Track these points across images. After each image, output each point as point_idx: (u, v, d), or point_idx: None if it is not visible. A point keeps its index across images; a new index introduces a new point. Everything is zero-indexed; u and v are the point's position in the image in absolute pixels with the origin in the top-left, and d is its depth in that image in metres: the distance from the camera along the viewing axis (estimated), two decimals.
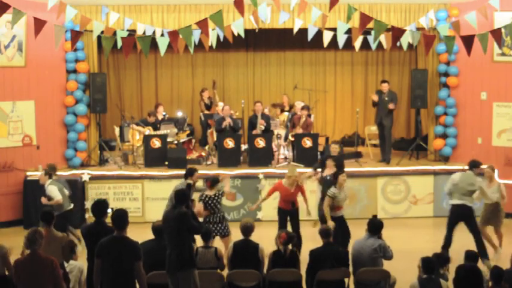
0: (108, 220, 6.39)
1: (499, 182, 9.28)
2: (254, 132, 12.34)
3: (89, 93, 12.30)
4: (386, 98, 12.24)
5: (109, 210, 6.64)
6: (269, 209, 10.64)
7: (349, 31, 8.79)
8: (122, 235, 5.79)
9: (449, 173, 11.70)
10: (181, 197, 6.55)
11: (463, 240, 8.81)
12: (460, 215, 8.77)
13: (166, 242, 6.45)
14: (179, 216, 6.37)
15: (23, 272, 5.66)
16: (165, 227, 6.51)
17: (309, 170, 10.16)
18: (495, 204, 9.01)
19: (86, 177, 11.46)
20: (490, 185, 9.08)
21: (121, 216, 5.85)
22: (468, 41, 7.69)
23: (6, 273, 6.50)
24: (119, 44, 8.12)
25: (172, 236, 6.38)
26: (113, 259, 5.69)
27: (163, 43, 8.18)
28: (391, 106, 12.19)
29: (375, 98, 12.34)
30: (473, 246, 8.22)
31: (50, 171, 9.46)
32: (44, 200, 9.19)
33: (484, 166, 9.35)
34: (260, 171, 11.60)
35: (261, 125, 12.38)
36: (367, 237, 7.09)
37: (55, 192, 9.11)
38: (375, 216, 7.44)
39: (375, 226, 7.12)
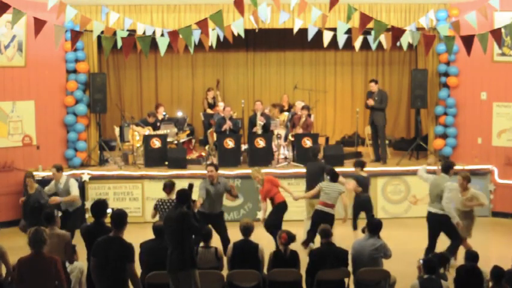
0: (108, 220, 6.40)
1: (474, 191, 8.70)
2: (254, 129, 12.34)
3: (89, 93, 12.30)
4: (376, 98, 12.24)
5: (109, 211, 6.64)
6: (268, 209, 10.61)
7: (349, 31, 8.79)
8: (117, 235, 5.81)
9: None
10: (182, 197, 6.55)
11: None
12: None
13: (167, 242, 6.46)
14: (180, 216, 6.37)
15: (27, 271, 5.66)
16: (166, 226, 6.52)
17: None
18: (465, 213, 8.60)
19: (86, 177, 11.45)
20: (463, 194, 8.60)
21: (120, 216, 5.87)
22: (468, 41, 7.69)
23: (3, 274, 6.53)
24: (119, 44, 8.12)
25: (173, 236, 6.38)
26: (106, 258, 5.73)
27: (163, 43, 8.18)
28: (369, 102, 12.18)
29: (371, 102, 12.26)
30: (473, 246, 8.21)
31: (61, 167, 9.43)
32: (55, 199, 9.01)
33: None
34: None
35: (260, 121, 12.36)
36: (368, 237, 7.09)
37: (75, 187, 9.12)
38: (372, 216, 7.43)
39: (375, 226, 7.12)
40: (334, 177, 8.95)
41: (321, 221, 8.31)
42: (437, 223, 8.38)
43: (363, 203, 9.76)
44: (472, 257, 6.44)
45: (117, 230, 5.81)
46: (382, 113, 12.36)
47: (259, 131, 12.31)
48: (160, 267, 6.49)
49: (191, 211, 6.62)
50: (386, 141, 13.07)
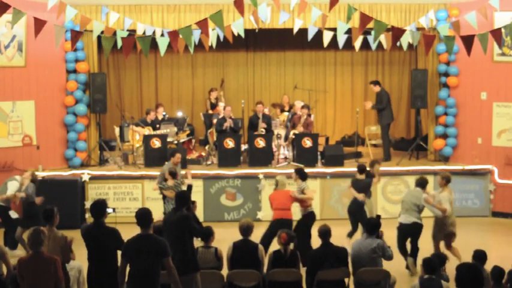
0: (108, 220, 6.40)
1: (445, 194, 8.59)
2: (255, 133, 12.34)
3: (89, 93, 12.30)
4: (377, 99, 12.49)
5: (110, 211, 6.63)
6: (269, 209, 10.61)
7: (349, 31, 8.79)
8: (147, 233, 5.81)
9: (450, 173, 11.76)
10: (182, 200, 6.52)
11: (461, 240, 8.81)
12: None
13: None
14: (181, 219, 6.34)
15: (27, 272, 5.66)
16: (166, 230, 6.49)
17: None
18: (441, 218, 8.56)
19: (86, 177, 11.46)
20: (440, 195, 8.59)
21: (145, 214, 5.86)
22: (468, 41, 7.68)
23: (4, 273, 6.53)
24: (119, 44, 8.12)
25: (174, 240, 6.35)
26: (141, 257, 5.69)
27: (163, 43, 8.17)
28: (366, 105, 12.70)
29: (368, 105, 12.72)
30: (473, 246, 8.20)
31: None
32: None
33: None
34: (260, 171, 11.60)
35: (261, 128, 12.39)
36: (365, 238, 7.10)
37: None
38: (378, 217, 7.43)
39: (372, 226, 7.13)
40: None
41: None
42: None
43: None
44: (479, 257, 6.41)
45: (145, 229, 5.81)
46: (385, 112, 12.43)
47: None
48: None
49: (191, 213, 6.60)
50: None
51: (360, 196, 9.26)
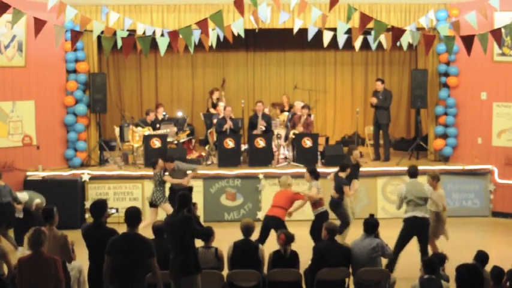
0: (112, 220, 6.40)
1: (440, 191, 8.64)
2: (254, 132, 12.34)
3: (89, 93, 12.30)
4: (380, 97, 12.35)
5: (113, 211, 6.62)
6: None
7: (349, 31, 8.79)
8: (133, 232, 5.82)
9: (450, 173, 11.79)
10: (183, 201, 6.51)
11: (461, 240, 8.81)
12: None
13: (170, 247, 6.42)
14: (182, 220, 6.32)
15: (27, 272, 5.67)
16: (168, 232, 6.48)
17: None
18: (435, 214, 8.59)
19: (86, 177, 11.46)
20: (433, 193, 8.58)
21: (134, 213, 5.88)
22: (468, 41, 7.68)
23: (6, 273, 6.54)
24: (119, 44, 8.11)
25: (175, 241, 6.34)
26: (125, 256, 5.70)
27: (163, 43, 8.17)
28: (372, 100, 12.50)
29: (374, 101, 12.50)
30: (473, 246, 8.21)
31: None
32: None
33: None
34: (260, 171, 11.61)
35: (261, 125, 12.38)
36: (364, 237, 7.09)
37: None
38: (371, 215, 7.45)
39: (371, 225, 7.12)
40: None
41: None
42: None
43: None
44: (481, 258, 6.40)
45: (131, 228, 5.83)
46: (386, 111, 12.43)
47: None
48: (161, 267, 6.46)
49: (192, 214, 6.59)
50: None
51: (332, 192, 9.43)
